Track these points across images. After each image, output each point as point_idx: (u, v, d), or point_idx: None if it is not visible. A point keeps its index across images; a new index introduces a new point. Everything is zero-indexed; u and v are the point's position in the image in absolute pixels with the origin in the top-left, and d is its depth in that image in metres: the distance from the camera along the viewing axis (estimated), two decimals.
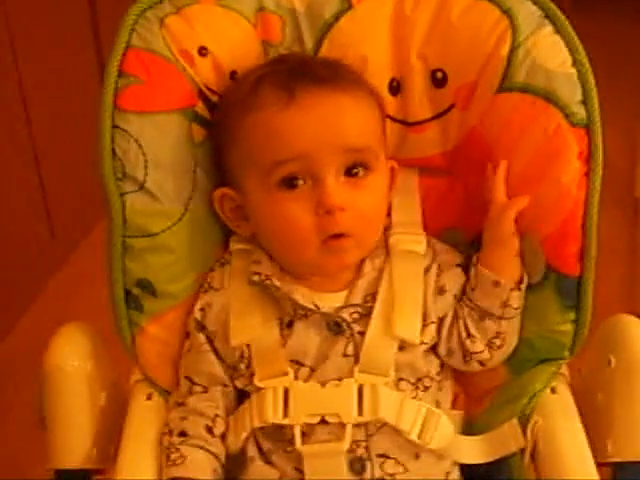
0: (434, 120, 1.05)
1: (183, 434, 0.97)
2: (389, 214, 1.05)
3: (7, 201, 2.03)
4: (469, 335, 1.01)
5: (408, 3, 1.01)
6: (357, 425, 0.95)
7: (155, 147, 0.97)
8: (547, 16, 0.98)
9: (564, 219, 0.97)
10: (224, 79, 1.02)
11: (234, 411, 1.00)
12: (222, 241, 1.06)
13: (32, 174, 2.14)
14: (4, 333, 2.07)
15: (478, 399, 1.07)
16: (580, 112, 0.96)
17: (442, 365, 1.04)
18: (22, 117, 2.07)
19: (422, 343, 0.99)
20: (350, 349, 0.97)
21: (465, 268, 1.03)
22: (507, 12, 0.98)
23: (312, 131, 0.93)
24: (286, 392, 0.95)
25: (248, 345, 0.98)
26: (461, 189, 1.09)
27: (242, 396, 1.01)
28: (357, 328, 0.97)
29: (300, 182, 0.94)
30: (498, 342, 1.01)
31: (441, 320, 1.02)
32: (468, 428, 1.04)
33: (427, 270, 1.02)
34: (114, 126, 0.96)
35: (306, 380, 0.96)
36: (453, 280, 1.03)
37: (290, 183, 0.94)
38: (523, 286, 1.00)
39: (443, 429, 0.97)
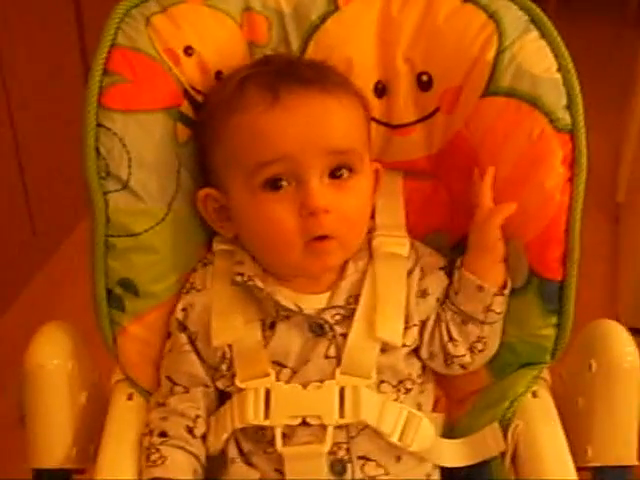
0: (419, 123, 1.05)
1: (163, 434, 0.97)
2: (373, 216, 1.05)
3: None
4: (451, 339, 1.01)
5: (395, 6, 1.02)
6: (338, 427, 0.95)
7: (139, 146, 0.97)
8: (533, 21, 0.99)
9: (547, 224, 0.97)
10: (209, 79, 1.02)
11: (215, 412, 1.00)
12: (205, 241, 1.06)
13: (14, 172, 2.13)
14: None
15: (459, 402, 1.08)
16: (565, 118, 0.96)
17: (424, 368, 1.04)
18: (5, 116, 2.05)
19: (404, 346, 0.99)
20: (332, 351, 0.97)
21: (448, 271, 1.04)
22: (493, 16, 0.99)
23: (297, 132, 0.93)
24: (267, 393, 0.95)
25: (230, 346, 0.98)
26: (445, 192, 1.09)
27: (223, 397, 1.00)
28: (339, 330, 0.97)
29: (284, 183, 0.94)
30: (480, 346, 1.02)
31: (423, 323, 1.02)
32: (449, 431, 1.04)
33: (410, 273, 1.02)
34: (98, 124, 0.96)
35: (288, 381, 0.96)
36: (436, 283, 1.03)
37: (274, 184, 0.94)
38: (507, 291, 1.00)
39: (424, 432, 0.98)
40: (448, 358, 1.02)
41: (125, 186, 0.97)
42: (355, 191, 0.97)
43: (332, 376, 0.96)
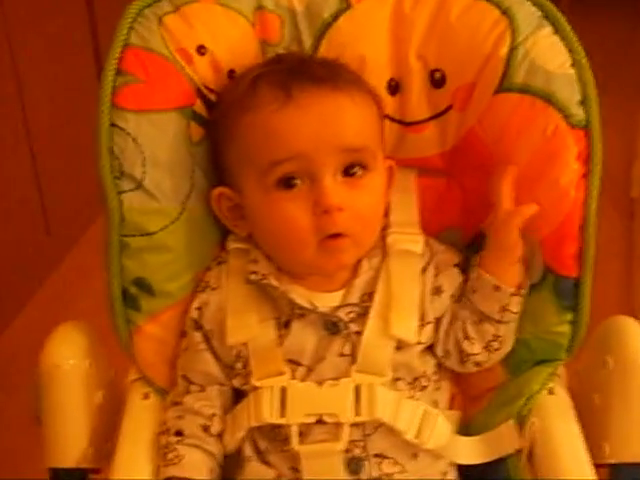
0: (432, 120, 1.05)
1: (179, 433, 0.97)
2: (387, 214, 1.05)
3: (3, 199, 2.03)
4: (467, 337, 1.01)
5: (407, 3, 1.01)
6: (354, 425, 0.95)
7: (153, 146, 0.97)
8: (546, 17, 0.98)
9: (562, 220, 0.97)
10: (222, 78, 1.02)
11: (231, 410, 1.00)
12: (219, 240, 1.06)
13: (28, 172, 2.14)
14: (0, 332, 2.06)
15: (475, 399, 1.07)
16: (579, 113, 0.96)
17: (439, 365, 1.04)
18: (19, 115, 2.06)
19: (419, 343, 0.99)
20: (347, 349, 0.96)
21: (463, 268, 1.03)
22: (506, 12, 0.98)
23: (310, 131, 0.93)
24: (283, 392, 0.95)
25: (245, 344, 0.98)
26: (459, 189, 1.08)
27: (239, 395, 1.01)
28: (354, 328, 0.97)
29: (298, 182, 0.94)
30: (496, 345, 1.01)
31: (438, 321, 1.02)
32: (465, 428, 1.04)
33: (424, 270, 1.02)
34: (112, 124, 0.96)
35: (303, 380, 0.96)
36: (450, 280, 1.03)
37: (288, 183, 0.94)
38: (524, 291, 1.00)
39: (440, 429, 0.98)
40: (463, 356, 1.02)
41: (139, 185, 0.97)
42: (369, 189, 0.97)
43: (347, 374, 0.95)
